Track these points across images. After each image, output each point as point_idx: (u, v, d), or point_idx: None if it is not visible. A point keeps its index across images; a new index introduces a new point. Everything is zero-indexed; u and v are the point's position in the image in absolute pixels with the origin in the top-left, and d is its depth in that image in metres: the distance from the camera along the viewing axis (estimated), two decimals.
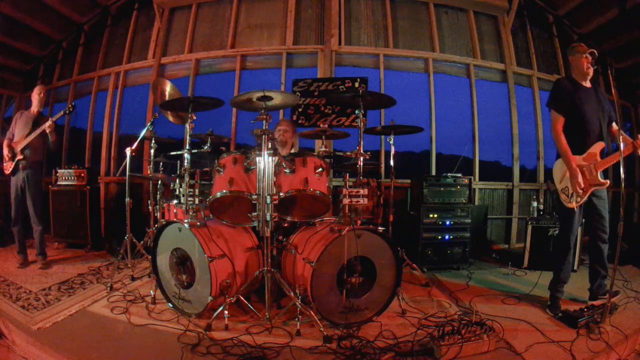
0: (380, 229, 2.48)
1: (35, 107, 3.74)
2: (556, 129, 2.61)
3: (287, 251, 2.72)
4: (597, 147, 2.59)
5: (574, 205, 2.57)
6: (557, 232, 3.70)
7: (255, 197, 2.44)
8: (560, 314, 2.48)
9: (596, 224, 2.65)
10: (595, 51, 2.56)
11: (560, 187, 2.65)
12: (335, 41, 4.81)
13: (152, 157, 3.58)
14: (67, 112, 3.60)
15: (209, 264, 2.31)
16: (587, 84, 2.67)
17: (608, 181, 2.55)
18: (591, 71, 2.61)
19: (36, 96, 3.74)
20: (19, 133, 3.64)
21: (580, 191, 2.52)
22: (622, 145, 2.44)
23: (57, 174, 4.47)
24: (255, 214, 2.42)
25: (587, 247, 2.82)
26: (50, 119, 3.59)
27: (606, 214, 2.64)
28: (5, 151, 3.62)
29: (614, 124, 2.71)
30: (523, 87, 5.31)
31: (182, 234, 2.52)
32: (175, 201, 3.20)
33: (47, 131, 3.57)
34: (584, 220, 2.86)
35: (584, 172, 2.55)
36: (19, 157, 3.58)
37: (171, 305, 2.56)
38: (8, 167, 3.62)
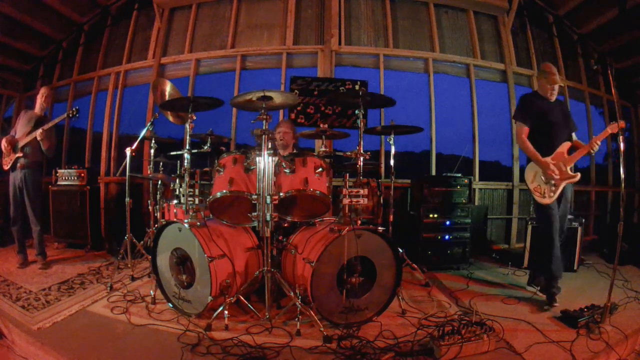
0: (380, 229, 2.48)
1: (37, 110, 3.74)
2: (521, 138, 2.90)
3: (287, 251, 2.72)
4: (564, 146, 2.86)
5: (548, 200, 2.79)
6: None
7: (255, 197, 2.44)
8: (560, 314, 2.48)
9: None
10: (562, 85, 2.93)
11: (533, 186, 2.87)
12: (335, 41, 4.81)
13: (152, 157, 3.58)
14: (70, 115, 3.59)
15: (209, 264, 2.31)
16: (552, 100, 2.95)
17: (579, 174, 2.79)
18: (553, 98, 2.93)
19: (39, 99, 3.74)
20: (21, 130, 3.64)
21: (556, 177, 2.75)
22: (608, 129, 2.73)
23: (57, 174, 4.48)
24: (255, 214, 2.42)
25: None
26: (42, 128, 3.51)
27: (566, 215, 2.93)
28: (4, 145, 3.60)
29: (573, 134, 2.99)
30: (523, 87, 5.31)
31: (182, 234, 2.52)
32: (175, 201, 3.20)
33: (38, 139, 3.51)
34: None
35: (552, 166, 2.80)
36: (19, 154, 3.57)
37: (171, 305, 2.56)
38: (7, 162, 3.62)
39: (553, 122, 2.87)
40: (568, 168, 2.80)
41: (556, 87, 2.89)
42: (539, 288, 3.01)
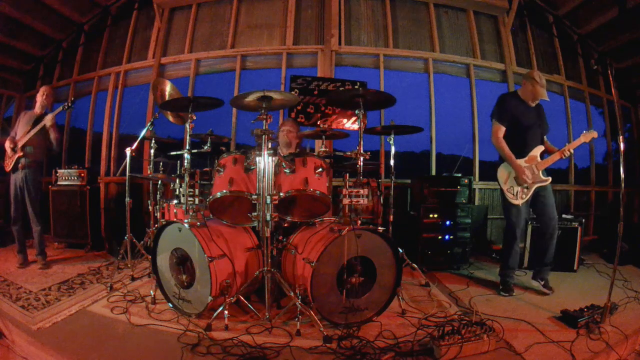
0: (380, 229, 2.48)
1: (37, 109, 3.74)
2: (497, 137, 3.02)
3: (287, 251, 2.72)
4: (537, 150, 3.00)
5: (519, 202, 2.97)
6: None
7: (255, 197, 2.44)
8: (560, 314, 2.49)
9: (547, 219, 3.05)
10: (547, 100, 3.00)
11: (506, 187, 3.04)
12: (335, 41, 4.81)
13: (152, 157, 3.58)
14: (66, 107, 3.60)
15: (209, 264, 2.31)
16: (531, 104, 3.05)
17: (550, 178, 2.97)
18: (533, 104, 3.04)
19: (39, 97, 3.74)
20: (21, 130, 3.64)
21: (529, 182, 2.93)
22: (582, 138, 2.88)
23: (57, 174, 4.47)
24: (255, 214, 2.42)
25: (535, 240, 3.37)
26: (50, 113, 3.57)
27: (553, 209, 3.05)
28: (7, 144, 3.60)
29: (545, 136, 3.13)
30: None
31: (182, 234, 2.52)
32: (175, 201, 3.20)
33: (48, 125, 3.54)
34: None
35: (526, 172, 2.94)
36: (19, 154, 3.57)
37: (171, 305, 2.56)
38: (8, 163, 3.62)
39: (528, 126, 3.00)
40: (540, 172, 2.96)
41: (539, 98, 2.98)
42: (542, 283, 3.04)
